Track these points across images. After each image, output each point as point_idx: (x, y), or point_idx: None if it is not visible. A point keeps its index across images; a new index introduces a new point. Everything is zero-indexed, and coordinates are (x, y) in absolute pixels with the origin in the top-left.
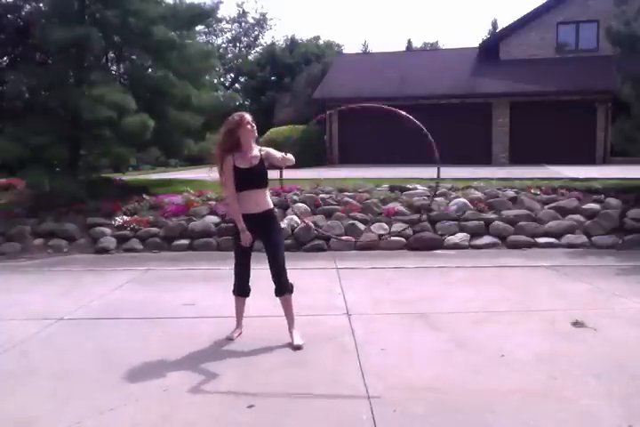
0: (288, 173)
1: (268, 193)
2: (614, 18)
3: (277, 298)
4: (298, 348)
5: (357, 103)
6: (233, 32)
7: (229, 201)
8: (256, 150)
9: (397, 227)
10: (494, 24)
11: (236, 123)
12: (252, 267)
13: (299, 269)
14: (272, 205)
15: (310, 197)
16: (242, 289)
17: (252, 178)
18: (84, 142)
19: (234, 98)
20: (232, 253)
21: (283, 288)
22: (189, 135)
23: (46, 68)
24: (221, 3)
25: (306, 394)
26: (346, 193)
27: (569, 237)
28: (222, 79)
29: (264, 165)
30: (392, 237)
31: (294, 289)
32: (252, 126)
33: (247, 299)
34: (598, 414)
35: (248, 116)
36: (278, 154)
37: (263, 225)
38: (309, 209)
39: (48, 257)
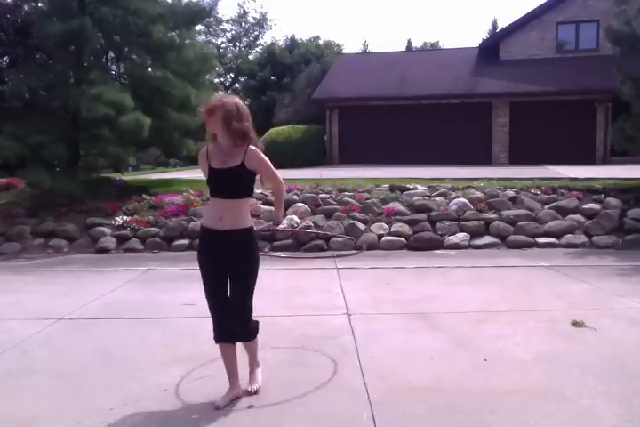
0: (288, 173)
1: (242, 206)
2: (614, 17)
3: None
4: (253, 393)
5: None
6: (233, 32)
7: None
8: (242, 150)
9: (397, 227)
10: (494, 24)
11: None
12: None
13: (299, 269)
14: (244, 224)
15: (310, 197)
16: (223, 332)
17: (218, 183)
18: (82, 142)
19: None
20: None
21: (247, 334)
22: (189, 135)
23: (46, 67)
24: None
25: (306, 394)
26: (346, 193)
27: (569, 237)
28: (222, 79)
29: (245, 169)
30: (391, 237)
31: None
32: (221, 114)
33: None
34: (598, 414)
35: (216, 101)
36: (266, 182)
37: (231, 248)
38: (309, 209)
39: (48, 257)
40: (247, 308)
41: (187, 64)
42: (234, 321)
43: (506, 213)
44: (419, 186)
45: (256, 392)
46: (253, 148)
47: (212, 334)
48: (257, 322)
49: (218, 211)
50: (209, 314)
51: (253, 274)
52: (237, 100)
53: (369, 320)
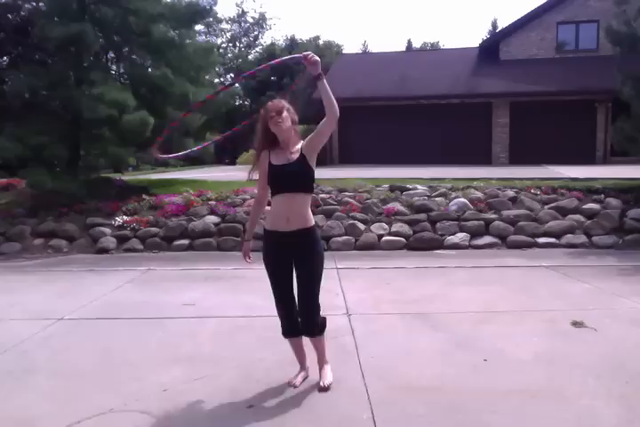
0: None
1: (305, 202)
2: (614, 18)
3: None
4: (323, 389)
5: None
6: (233, 32)
7: (253, 202)
8: (299, 145)
9: (397, 227)
10: (494, 24)
11: (262, 117)
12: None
13: None
14: (311, 222)
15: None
16: (290, 327)
17: (283, 177)
18: (83, 142)
19: (234, 95)
20: (232, 254)
21: (311, 329)
22: (189, 135)
23: (47, 67)
24: None
25: (306, 394)
26: (346, 193)
27: (569, 237)
28: (222, 79)
29: (305, 161)
30: (391, 237)
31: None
32: (279, 116)
33: (249, 298)
34: (598, 415)
35: (273, 105)
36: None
37: (296, 248)
38: None
39: (48, 257)
40: (316, 300)
41: (188, 60)
42: (312, 316)
43: (506, 213)
44: (419, 186)
45: (327, 388)
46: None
47: (212, 334)
48: (324, 319)
49: (285, 209)
50: (209, 314)
51: (319, 268)
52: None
53: (369, 320)
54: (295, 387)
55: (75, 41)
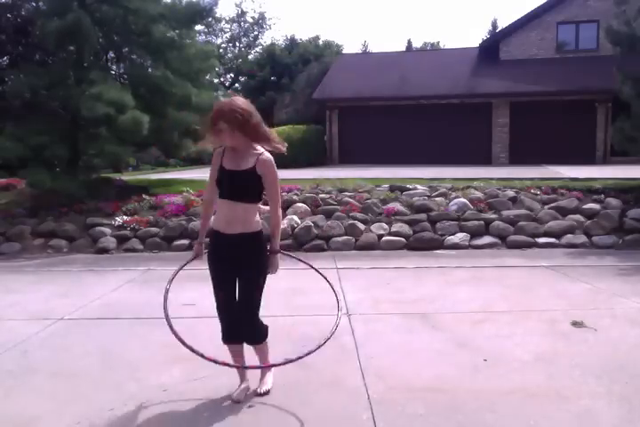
0: (288, 173)
1: (249, 210)
2: (614, 18)
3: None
4: (260, 395)
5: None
6: (232, 32)
7: (203, 203)
8: (256, 153)
9: (397, 227)
10: (494, 24)
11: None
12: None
13: (299, 270)
14: (254, 228)
15: (310, 197)
16: (230, 333)
17: (228, 184)
18: (82, 142)
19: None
20: None
21: (253, 338)
22: (189, 135)
23: (46, 67)
24: None
25: (306, 394)
26: (346, 193)
27: (569, 237)
28: (222, 79)
29: (255, 174)
30: (391, 237)
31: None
32: (217, 127)
33: None
34: (598, 414)
35: (217, 110)
36: (269, 191)
37: (236, 253)
38: (309, 209)
39: (48, 257)
40: (255, 310)
41: (187, 61)
42: (252, 325)
43: (506, 213)
44: (419, 186)
45: (265, 394)
46: (266, 156)
47: (212, 335)
48: (266, 327)
49: (225, 213)
50: (209, 314)
51: (261, 276)
52: (242, 101)
53: (369, 320)
54: (239, 402)
55: (72, 32)
